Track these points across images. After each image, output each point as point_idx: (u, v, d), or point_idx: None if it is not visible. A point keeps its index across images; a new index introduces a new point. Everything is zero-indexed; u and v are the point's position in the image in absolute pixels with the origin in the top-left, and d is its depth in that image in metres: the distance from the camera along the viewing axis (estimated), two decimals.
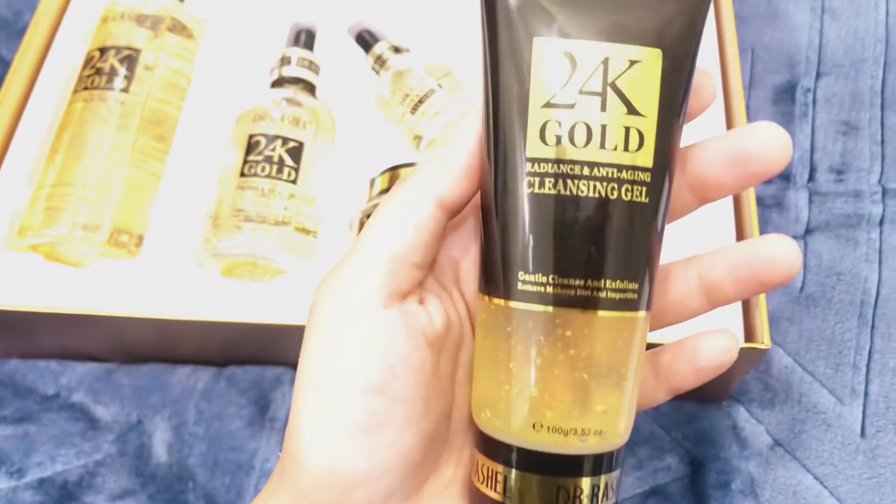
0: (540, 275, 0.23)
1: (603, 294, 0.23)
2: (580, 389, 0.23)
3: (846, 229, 0.52)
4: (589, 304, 0.23)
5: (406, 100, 0.50)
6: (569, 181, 0.23)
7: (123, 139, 0.49)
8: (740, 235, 0.45)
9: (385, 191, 0.47)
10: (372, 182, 0.49)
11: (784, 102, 0.57)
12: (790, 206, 0.54)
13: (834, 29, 0.60)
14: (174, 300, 0.45)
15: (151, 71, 0.51)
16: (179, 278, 0.47)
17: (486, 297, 0.25)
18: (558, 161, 0.23)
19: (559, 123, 0.23)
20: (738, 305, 0.43)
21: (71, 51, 0.54)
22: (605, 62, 0.23)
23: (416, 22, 0.55)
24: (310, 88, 0.52)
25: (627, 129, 0.23)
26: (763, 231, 0.53)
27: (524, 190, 0.23)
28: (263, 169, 0.47)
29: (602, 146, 0.23)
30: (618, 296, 0.23)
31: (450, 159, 0.25)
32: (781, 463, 0.45)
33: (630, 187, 0.23)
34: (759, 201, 0.54)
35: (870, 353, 0.48)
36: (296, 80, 0.52)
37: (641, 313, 0.24)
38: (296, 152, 0.48)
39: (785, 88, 0.58)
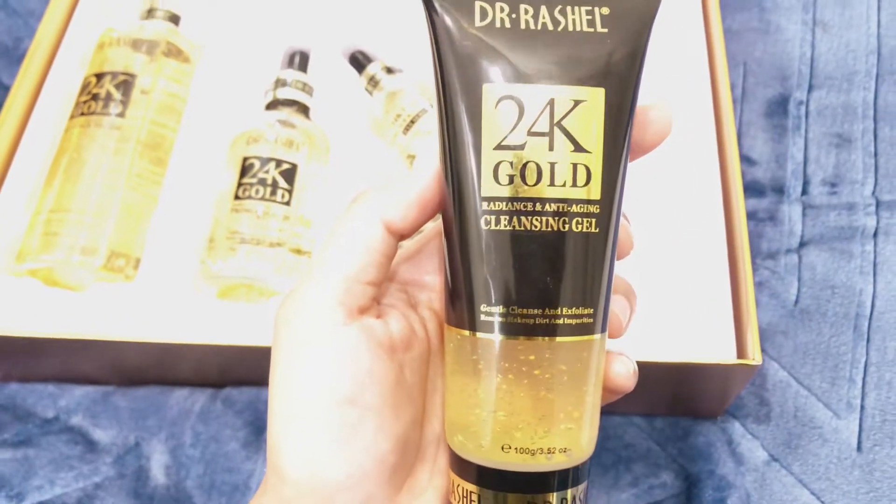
0: (501, 306, 0.25)
1: (561, 321, 0.25)
2: (544, 411, 0.25)
3: (840, 242, 0.52)
4: (548, 331, 0.25)
5: (399, 119, 0.51)
6: (522, 217, 0.25)
7: (120, 163, 0.49)
8: (731, 252, 0.46)
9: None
10: None
11: (777, 115, 0.58)
12: (784, 219, 0.54)
13: (826, 42, 0.60)
14: (171, 323, 0.46)
15: (148, 95, 0.51)
16: (176, 301, 0.47)
17: (452, 328, 0.26)
18: (512, 199, 0.25)
19: (511, 164, 0.25)
20: (730, 322, 0.43)
21: (68, 76, 0.55)
22: (551, 104, 0.25)
23: (409, 43, 0.56)
24: (304, 110, 0.53)
25: (575, 166, 0.25)
26: (756, 244, 0.53)
27: (481, 227, 0.25)
28: (258, 191, 0.48)
29: (552, 183, 0.25)
30: (574, 321, 0.25)
31: (402, 188, 0.26)
32: (777, 478, 0.45)
33: (580, 220, 0.25)
34: (753, 215, 0.54)
35: (865, 366, 0.48)
36: (290, 102, 0.52)
37: (598, 335, 0.26)
38: (289, 174, 0.49)
39: (778, 101, 0.58)
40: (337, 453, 0.25)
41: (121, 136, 0.50)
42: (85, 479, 0.46)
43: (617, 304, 0.28)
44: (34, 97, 0.54)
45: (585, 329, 0.25)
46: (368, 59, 0.54)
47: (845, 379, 0.48)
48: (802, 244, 0.53)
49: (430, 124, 0.50)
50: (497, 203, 0.25)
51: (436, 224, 0.28)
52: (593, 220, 0.25)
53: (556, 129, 0.25)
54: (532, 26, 0.25)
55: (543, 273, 0.25)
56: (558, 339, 0.25)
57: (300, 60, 0.54)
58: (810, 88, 0.58)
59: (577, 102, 0.25)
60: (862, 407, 0.47)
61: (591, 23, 0.25)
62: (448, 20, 0.25)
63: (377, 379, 0.25)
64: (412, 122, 0.50)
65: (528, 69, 0.25)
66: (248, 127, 0.50)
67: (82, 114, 0.50)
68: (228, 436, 0.47)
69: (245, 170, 0.48)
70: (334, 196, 0.51)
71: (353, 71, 0.55)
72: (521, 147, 0.25)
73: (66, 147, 0.50)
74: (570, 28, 0.25)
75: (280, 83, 0.53)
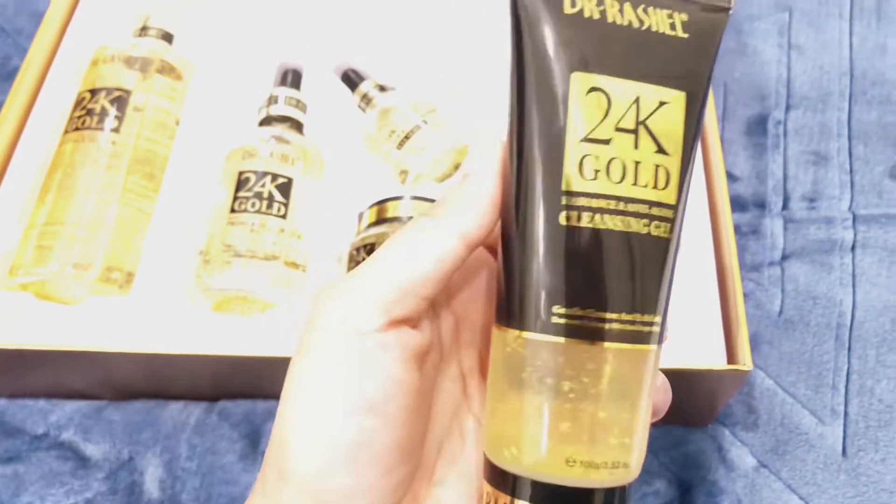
0: (577, 308, 0.24)
1: (634, 327, 0.24)
2: (610, 422, 0.24)
3: (820, 255, 0.54)
4: (621, 337, 0.24)
5: (392, 136, 0.52)
6: (606, 216, 0.24)
7: (113, 178, 0.49)
8: (719, 263, 0.47)
9: (373, 224, 0.48)
10: (360, 216, 0.50)
11: (756, 134, 0.60)
12: (766, 233, 0.55)
13: (801, 64, 0.62)
14: (165, 336, 0.46)
15: (141, 112, 0.52)
16: (170, 314, 0.47)
17: (511, 330, 0.25)
18: (596, 195, 0.24)
19: (597, 158, 0.24)
20: (720, 328, 0.45)
21: (61, 93, 0.55)
22: (638, 101, 0.24)
23: (401, 61, 0.57)
24: (297, 126, 0.53)
25: (657, 167, 0.24)
26: (741, 257, 0.54)
27: (559, 223, 0.24)
28: (253, 205, 0.48)
29: (635, 182, 0.24)
30: (646, 329, 0.24)
31: (471, 195, 0.25)
32: (767, 483, 0.46)
33: (659, 223, 0.24)
34: (737, 229, 0.55)
35: (847, 374, 0.50)
36: (283, 119, 0.53)
37: (657, 346, 0.25)
38: (285, 188, 0.49)
39: (757, 120, 0.60)
40: (347, 462, 0.23)
41: (114, 151, 0.50)
42: (76, 495, 0.46)
43: None
44: (27, 112, 0.54)
45: (652, 337, 0.25)
46: (361, 78, 0.55)
47: (829, 386, 0.49)
48: (785, 257, 0.54)
49: (425, 140, 0.51)
50: (580, 199, 0.24)
51: None
52: (668, 226, 0.24)
53: (642, 128, 0.24)
54: (619, 21, 0.24)
55: (622, 276, 0.24)
56: (630, 345, 0.24)
57: (293, 78, 0.55)
58: (787, 108, 0.61)
59: (661, 103, 0.24)
60: (846, 413, 0.48)
61: (672, 26, 0.25)
62: (537, 1, 0.24)
63: (405, 391, 0.24)
64: (406, 137, 0.51)
65: (617, 63, 0.24)
66: (242, 142, 0.51)
67: (76, 129, 0.50)
68: (225, 448, 0.47)
69: (241, 184, 0.49)
70: (328, 210, 0.51)
71: (346, 89, 0.55)
72: (608, 142, 0.24)
73: (60, 161, 0.50)
74: (654, 28, 0.25)
75: (273, 100, 0.53)
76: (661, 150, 0.24)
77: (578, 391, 0.24)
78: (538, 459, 0.24)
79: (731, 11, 0.26)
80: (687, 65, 0.25)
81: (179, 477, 0.46)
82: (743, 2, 0.65)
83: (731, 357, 0.43)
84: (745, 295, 0.52)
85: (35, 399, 0.49)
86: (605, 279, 0.24)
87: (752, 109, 0.61)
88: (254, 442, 0.47)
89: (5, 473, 0.46)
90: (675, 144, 0.25)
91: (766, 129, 0.60)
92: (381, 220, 0.48)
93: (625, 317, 0.24)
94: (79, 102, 0.52)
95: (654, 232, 0.24)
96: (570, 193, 0.24)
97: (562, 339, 0.24)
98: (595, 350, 0.24)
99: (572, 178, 0.24)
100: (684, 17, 0.25)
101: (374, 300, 0.24)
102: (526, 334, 0.24)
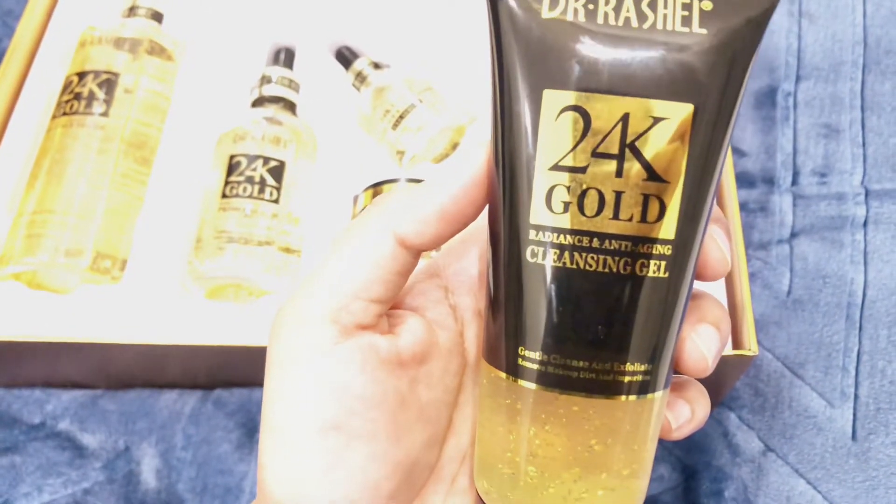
0: (540, 353, 0.21)
1: (610, 377, 0.21)
2: (580, 473, 0.22)
3: (831, 231, 0.52)
4: (593, 387, 0.21)
5: (387, 116, 0.50)
6: (576, 254, 0.21)
7: (104, 163, 0.48)
8: None
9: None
10: (355, 199, 0.48)
11: (766, 107, 0.58)
12: (775, 209, 0.54)
13: (812, 33, 0.60)
14: (159, 324, 0.45)
15: (131, 94, 0.51)
16: (164, 302, 0.46)
17: (485, 363, 0.23)
18: (565, 231, 0.21)
19: (568, 189, 0.21)
20: None
21: (49, 76, 0.54)
22: (625, 120, 0.21)
23: (397, 38, 0.55)
24: (290, 107, 0.52)
25: (646, 197, 0.21)
26: (748, 235, 0.53)
27: (526, 259, 0.21)
28: (245, 189, 0.47)
29: (615, 216, 0.21)
30: (627, 378, 0.21)
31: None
32: (774, 468, 0.45)
33: (646, 262, 0.21)
34: (744, 206, 0.54)
35: (858, 355, 0.48)
36: (276, 99, 0.52)
37: (654, 395, 0.22)
38: (277, 171, 0.48)
39: (766, 93, 0.58)
40: (321, 480, 0.23)
41: (104, 135, 0.49)
42: (74, 485, 0.46)
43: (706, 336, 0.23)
44: (14, 97, 0.53)
45: (639, 388, 0.22)
46: (355, 55, 0.54)
47: (839, 368, 0.48)
48: (794, 234, 0.53)
49: (420, 120, 0.49)
50: (547, 233, 0.21)
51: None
52: (663, 264, 0.21)
53: (628, 152, 0.21)
54: (612, 21, 0.21)
55: (595, 320, 0.21)
56: (604, 397, 0.21)
57: (286, 57, 0.54)
58: (798, 79, 0.58)
59: (656, 120, 0.20)
60: (856, 396, 0.47)
61: (686, 20, 0.21)
62: (514, 5, 0.21)
63: (372, 403, 0.23)
64: (401, 117, 0.50)
65: (600, 75, 0.20)
66: (234, 125, 0.50)
67: (64, 113, 0.49)
68: (220, 437, 0.46)
69: (232, 168, 0.48)
70: (323, 193, 0.50)
71: (340, 67, 0.54)
72: (583, 170, 0.21)
73: (49, 147, 0.49)
74: (660, 26, 0.21)
75: (266, 80, 0.52)
76: (653, 177, 0.21)
77: (542, 440, 0.22)
78: (503, 496, 0.23)
79: None
80: (700, 69, 0.20)
81: (175, 467, 0.45)
82: None
83: (737, 342, 0.42)
84: (752, 275, 0.51)
85: (31, 388, 0.49)
86: (572, 324, 0.21)
87: (761, 81, 0.59)
88: (249, 431, 0.46)
89: (2, 464, 0.46)
90: (674, 169, 0.21)
91: (776, 101, 0.58)
92: None
93: (598, 366, 0.21)
94: (66, 86, 0.51)
95: (641, 272, 0.21)
96: (536, 228, 0.21)
97: (525, 383, 0.22)
98: (561, 399, 0.22)
99: (539, 211, 0.21)
100: (707, 5, 0.21)
101: (319, 315, 0.23)
102: (495, 372, 0.23)
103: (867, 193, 0.53)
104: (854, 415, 0.47)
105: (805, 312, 0.50)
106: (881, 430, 0.46)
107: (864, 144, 0.55)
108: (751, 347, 0.40)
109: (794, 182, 0.55)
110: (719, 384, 0.45)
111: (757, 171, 0.55)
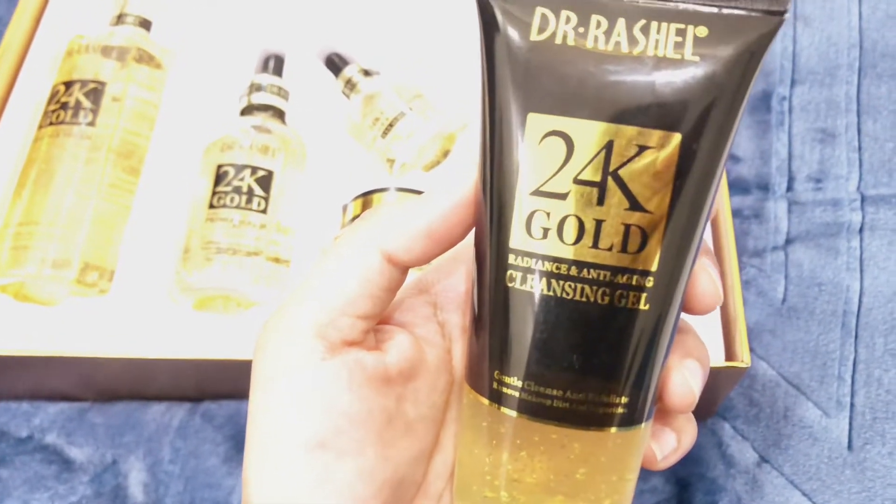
0: (516, 378, 0.21)
1: (584, 407, 0.21)
2: (563, 501, 0.22)
3: (826, 238, 0.52)
4: (567, 417, 0.21)
5: (377, 123, 0.50)
6: (553, 281, 0.21)
7: (92, 173, 0.48)
8: (717, 253, 0.45)
9: (359, 216, 0.46)
10: (345, 208, 0.48)
11: (760, 111, 0.57)
12: (769, 216, 0.53)
13: (807, 35, 0.60)
14: (146, 337, 0.45)
15: (119, 102, 0.50)
16: (151, 314, 0.46)
17: (467, 387, 0.23)
18: (543, 257, 0.21)
19: (547, 215, 0.21)
20: (718, 324, 0.43)
21: (36, 85, 0.53)
22: (608, 147, 0.20)
23: (386, 44, 0.55)
24: (279, 115, 0.51)
25: (627, 227, 0.20)
26: (742, 242, 0.52)
27: (504, 282, 0.21)
28: (233, 200, 0.46)
29: (594, 245, 0.20)
30: (602, 410, 0.21)
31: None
32: (769, 480, 0.45)
33: (625, 293, 0.21)
34: (738, 213, 0.53)
35: (854, 363, 0.48)
36: (265, 107, 0.51)
37: (633, 427, 0.22)
38: (265, 181, 0.47)
39: (760, 97, 0.58)
40: (309, 497, 0.23)
41: (92, 144, 0.48)
42: (61, 499, 0.45)
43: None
44: (1, 107, 0.53)
45: (619, 420, 0.21)
46: (345, 62, 0.53)
47: (834, 377, 0.47)
48: (789, 241, 0.52)
49: (410, 127, 0.49)
50: (525, 259, 0.21)
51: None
52: (643, 295, 0.21)
53: (610, 180, 0.20)
54: (601, 45, 0.20)
55: (571, 349, 0.21)
56: (580, 428, 0.21)
57: (275, 64, 0.53)
58: (793, 83, 0.58)
59: (641, 148, 0.20)
60: (852, 405, 0.46)
61: (679, 46, 0.20)
62: (505, 26, 0.21)
63: (358, 421, 0.23)
64: (391, 125, 0.49)
65: (585, 100, 0.20)
66: (222, 133, 0.49)
67: (51, 123, 0.49)
68: (208, 451, 0.46)
69: (219, 178, 0.47)
70: (312, 202, 0.50)
71: (330, 74, 0.53)
72: (563, 196, 0.20)
73: (35, 158, 0.48)
74: (650, 52, 0.20)
75: (255, 88, 0.51)
76: (635, 207, 0.20)
77: (517, 466, 0.22)
78: None
79: (785, 16, 0.20)
80: (690, 97, 0.20)
81: (163, 481, 0.45)
82: None
83: (730, 354, 0.41)
84: (746, 282, 0.50)
85: (18, 401, 0.48)
86: (549, 352, 0.21)
87: (755, 85, 0.58)
88: (238, 444, 0.46)
89: None
90: (658, 200, 0.20)
91: (770, 106, 0.57)
92: None
93: (573, 395, 0.21)
94: (53, 96, 0.50)
95: (620, 303, 0.21)
96: (516, 252, 0.21)
97: (503, 409, 0.22)
98: (534, 427, 0.21)
99: (519, 235, 0.21)
100: (702, 31, 0.20)
101: (308, 330, 0.23)
102: (473, 394, 0.23)
103: (863, 199, 0.53)
104: (850, 424, 0.46)
105: (800, 320, 0.49)
106: (877, 439, 0.45)
107: (860, 149, 0.55)
108: (743, 359, 0.40)
109: (789, 188, 0.54)
110: (711, 396, 0.44)
111: (751, 176, 0.55)
